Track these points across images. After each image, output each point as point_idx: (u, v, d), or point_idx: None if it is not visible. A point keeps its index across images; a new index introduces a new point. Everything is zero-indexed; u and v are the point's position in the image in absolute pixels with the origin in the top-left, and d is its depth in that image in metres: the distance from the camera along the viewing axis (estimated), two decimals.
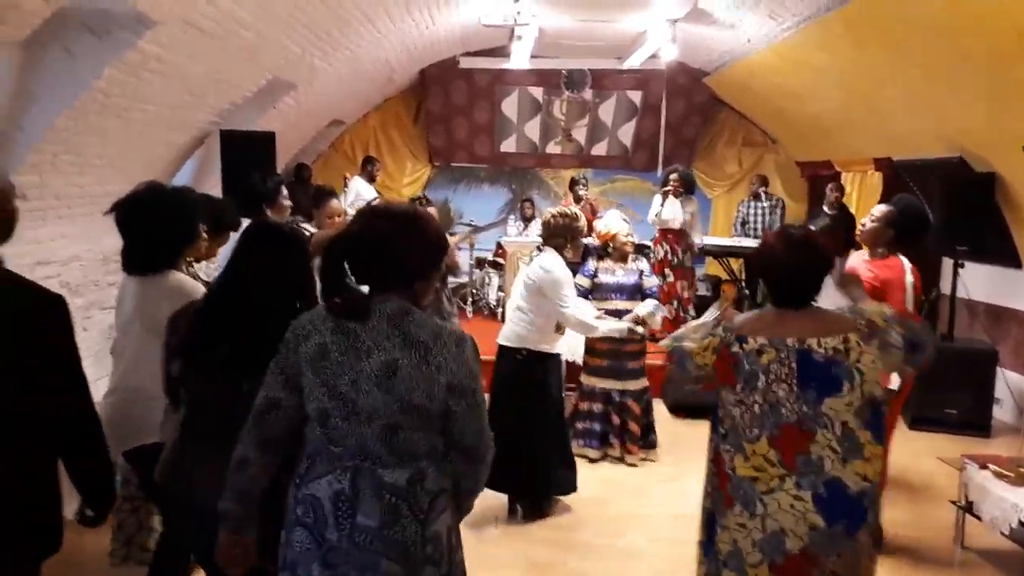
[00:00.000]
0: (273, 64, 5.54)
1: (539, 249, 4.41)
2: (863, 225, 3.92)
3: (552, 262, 4.16)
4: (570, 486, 4.30)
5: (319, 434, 1.81)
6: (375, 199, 8.26)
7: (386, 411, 1.75)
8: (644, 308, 4.83)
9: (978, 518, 3.71)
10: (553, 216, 4.29)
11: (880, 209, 3.89)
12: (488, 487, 4.18)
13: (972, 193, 5.88)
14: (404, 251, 1.82)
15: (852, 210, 7.90)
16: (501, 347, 4.28)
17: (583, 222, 4.34)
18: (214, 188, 5.25)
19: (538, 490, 4.27)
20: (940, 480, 4.71)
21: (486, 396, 1.91)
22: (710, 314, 4.38)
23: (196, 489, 2.04)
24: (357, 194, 7.85)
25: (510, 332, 4.25)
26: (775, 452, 2.08)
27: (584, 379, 5.10)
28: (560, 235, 4.22)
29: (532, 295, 4.15)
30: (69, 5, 3.22)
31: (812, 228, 4.11)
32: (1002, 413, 6.02)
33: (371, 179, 8.33)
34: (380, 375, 1.75)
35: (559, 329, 4.25)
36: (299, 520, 1.80)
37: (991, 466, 3.70)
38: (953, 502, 3.89)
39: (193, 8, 3.91)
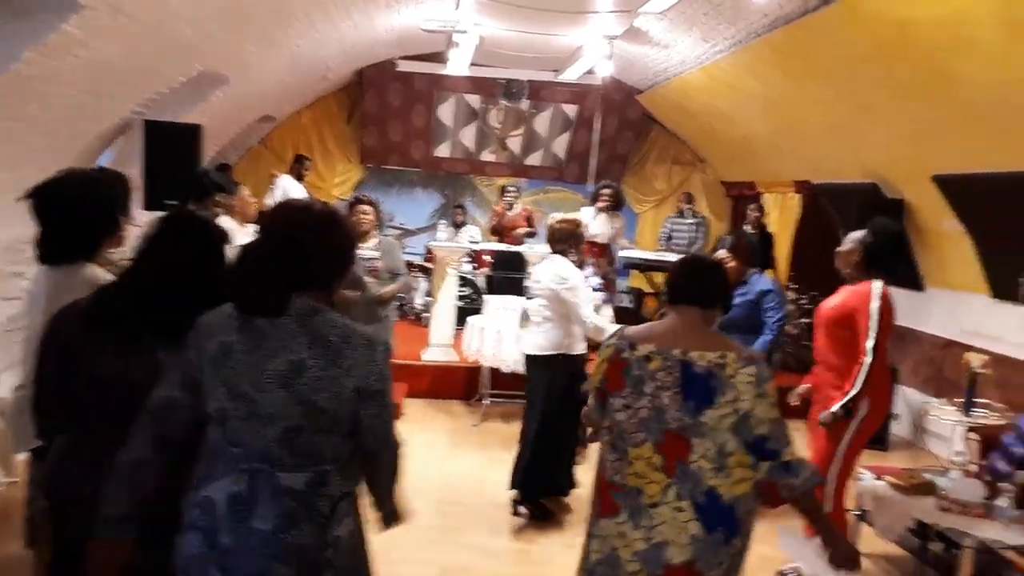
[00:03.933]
0: (205, 56, 5.42)
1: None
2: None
3: (566, 269, 4.27)
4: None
5: (218, 434, 1.77)
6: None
7: (289, 413, 1.71)
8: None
9: (872, 525, 3.92)
10: (557, 222, 4.42)
11: (854, 234, 3.76)
12: (551, 495, 4.48)
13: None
14: (318, 250, 1.80)
15: (771, 229, 8.24)
16: (535, 357, 4.34)
17: (584, 228, 4.51)
18: (134, 180, 5.09)
19: (571, 485, 4.48)
20: None
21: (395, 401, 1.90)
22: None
23: (83, 491, 1.91)
24: (285, 192, 7.72)
25: (543, 341, 4.30)
26: (659, 457, 2.15)
27: None
28: (564, 241, 4.34)
29: (553, 303, 4.26)
30: None
31: (722, 248, 4.30)
32: (899, 428, 6.35)
33: (299, 177, 8.19)
34: (285, 375, 1.71)
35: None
36: (193, 523, 1.75)
37: (886, 477, 3.91)
38: (849, 510, 4.10)
39: None
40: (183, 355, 1.81)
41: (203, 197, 4.21)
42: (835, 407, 3.44)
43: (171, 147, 5.04)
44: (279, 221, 1.85)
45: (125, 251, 3.03)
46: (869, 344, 3.40)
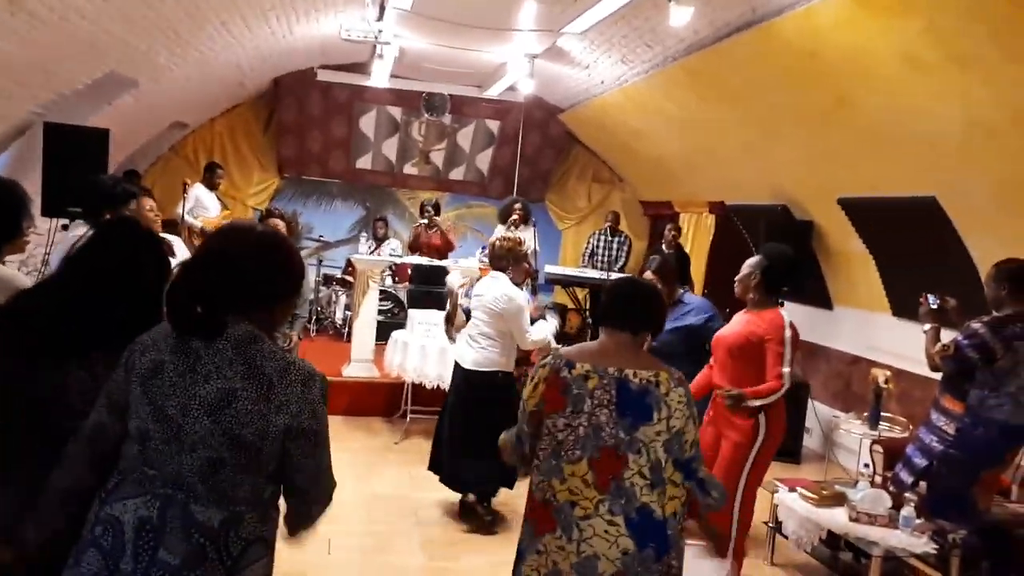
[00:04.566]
0: (112, 57, 5.17)
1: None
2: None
3: (510, 288, 4.38)
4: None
5: (135, 452, 1.67)
6: (224, 212, 7.88)
7: (212, 442, 1.63)
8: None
9: (786, 537, 4.03)
10: (498, 240, 4.61)
11: (750, 260, 3.74)
12: (480, 496, 4.49)
13: (792, 239, 6.43)
14: (261, 274, 1.73)
15: (687, 249, 8.45)
16: (473, 372, 4.39)
17: (527, 246, 4.63)
18: (32, 185, 4.79)
19: (510, 484, 4.46)
20: (756, 503, 5.07)
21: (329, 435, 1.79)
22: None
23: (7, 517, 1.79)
24: (197, 200, 7.41)
25: (482, 358, 4.38)
26: (592, 474, 2.18)
27: None
28: (503, 258, 4.47)
29: (496, 320, 4.34)
30: None
31: (647, 270, 4.31)
32: (810, 441, 6.59)
33: (212, 186, 7.89)
34: (213, 403, 1.63)
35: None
36: (94, 541, 1.63)
37: (799, 489, 4.03)
38: (765, 522, 4.20)
39: None
40: (113, 375, 1.72)
41: (115, 205, 3.98)
42: (734, 391, 3.37)
43: (74, 152, 4.76)
44: (219, 241, 1.78)
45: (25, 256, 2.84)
46: (786, 371, 3.41)
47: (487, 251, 4.58)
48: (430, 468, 4.65)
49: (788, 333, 3.44)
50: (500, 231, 7.70)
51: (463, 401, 4.43)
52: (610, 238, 9.12)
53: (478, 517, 4.53)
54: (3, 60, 4.03)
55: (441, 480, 4.56)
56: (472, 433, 4.24)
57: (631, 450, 2.16)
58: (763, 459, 3.53)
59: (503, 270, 4.46)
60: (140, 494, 1.64)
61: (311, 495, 1.78)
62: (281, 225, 4.68)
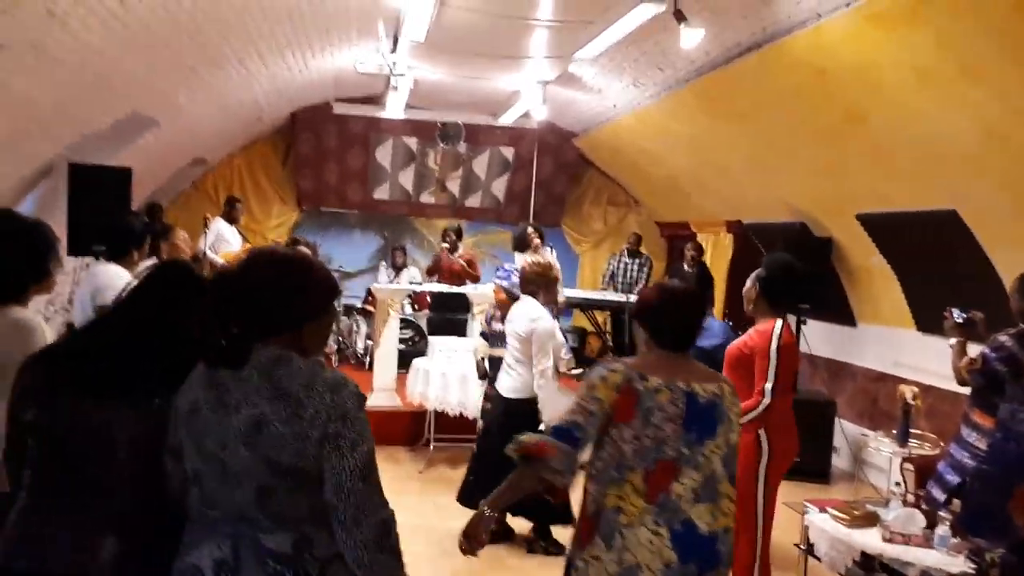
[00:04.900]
0: (133, 98, 5.28)
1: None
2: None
3: (535, 310, 4.39)
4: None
5: (196, 496, 1.68)
6: (245, 245, 7.97)
7: (256, 472, 1.60)
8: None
9: (818, 559, 3.95)
10: (528, 265, 4.60)
11: (753, 273, 3.70)
12: (538, 532, 4.46)
13: (812, 256, 6.40)
14: (278, 298, 1.70)
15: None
16: (508, 400, 4.41)
17: (556, 271, 4.65)
18: (58, 224, 4.89)
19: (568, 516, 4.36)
20: (785, 524, 4.99)
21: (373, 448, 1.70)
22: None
23: (51, 557, 1.77)
24: (218, 235, 7.51)
25: (520, 384, 4.39)
26: (644, 484, 2.17)
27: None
28: (533, 283, 4.48)
29: (524, 346, 4.35)
30: None
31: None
32: (839, 461, 6.48)
33: (233, 220, 8.00)
34: (247, 432, 1.60)
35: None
36: None
37: (829, 509, 3.96)
38: (796, 544, 4.12)
39: (46, 33, 3.68)
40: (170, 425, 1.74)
41: (139, 243, 4.06)
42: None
43: (98, 191, 4.87)
44: (237, 269, 1.77)
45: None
46: (768, 386, 3.36)
47: (514, 276, 4.65)
48: (460, 499, 4.56)
49: (774, 345, 3.37)
50: (519, 259, 7.72)
51: (499, 427, 4.37)
52: (629, 260, 9.09)
53: (542, 550, 4.50)
54: (28, 103, 4.14)
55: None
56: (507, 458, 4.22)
57: (688, 464, 2.17)
58: (773, 477, 3.47)
59: (533, 295, 4.47)
60: (210, 537, 1.64)
61: (347, 516, 1.59)
62: (308, 253, 4.74)
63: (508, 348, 4.49)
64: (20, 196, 5.05)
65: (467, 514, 4.55)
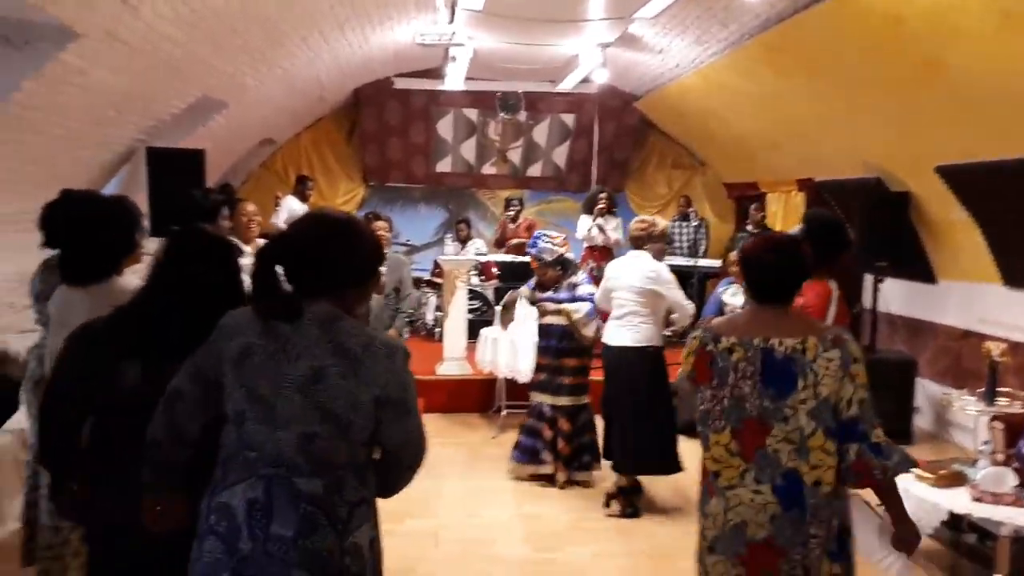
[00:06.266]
0: (203, 82, 5.43)
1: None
2: None
3: (653, 265, 4.60)
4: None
5: (234, 437, 1.76)
6: None
7: (305, 418, 1.71)
8: (573, 306, 4.79)
9: None
10: (634, 223, 4.85)
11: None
12: (660, 472, 4.61)
13: (889, 212, 6.17)
14: (338, 256, 1.79)
15: (776, 228, 8.19)
16: (631, 348, 4.52)
17: (661, 226, 4.82)
18: (140, 207, 5.09)
19: (678, 467, 4.55)
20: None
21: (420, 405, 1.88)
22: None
23: (120, 510, 1.95)
24: (290, 212, 7.71)
25: (639, 335, 4.53)
26: (736, 444, 2.20)
27: (530, 394, 5.14)
28: (640, 239, 4.70)
29: (647, 297, 4.52)
30: None
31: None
32: (921, 420, 6.29)
33: (304, 198, 8.20)
34: (304, 381, 1.71)
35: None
36: (211, 529, 1.74)
37: (914, 470, 3.85)
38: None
39: (119, 22, 3.81)
40: (203, 349, 1.82)
41: (209, 218, 4.20)
42: None
43: (175, 173, 5.03)
44: (293, 228, 1.86)
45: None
46: None
47: (541, 242, 4.90)
48: (607, 456, 4.76)
49: (832, 310, 3.28)
50: (586, 223, 7.68)
51: (632, 378, 4.50)
52: (683, 223, 8.95)
53: (624, 504, 4.57)
54: (106, 90, 4.30)
55: (615, 467, 4.63)
56: (649, 405, 4.42)
57: (776, 418, 2.16)
58: None
59: (641, 249, 4.66)
60: (245, 478, 1.73)
61: (402, 459, 1.87)
62: (386, 227, 5.06)
63: (618, 302, 4.58)
64: (104, 181, 5.27)
65: (535, 479, 4.71)
